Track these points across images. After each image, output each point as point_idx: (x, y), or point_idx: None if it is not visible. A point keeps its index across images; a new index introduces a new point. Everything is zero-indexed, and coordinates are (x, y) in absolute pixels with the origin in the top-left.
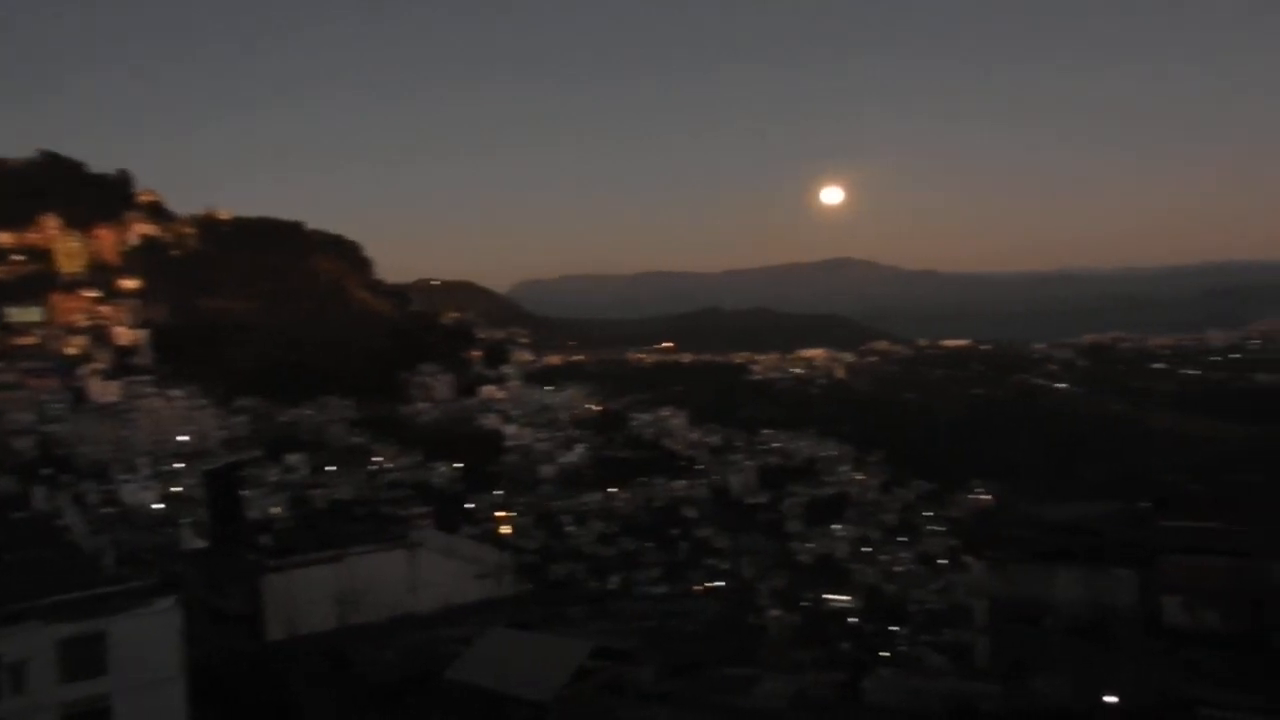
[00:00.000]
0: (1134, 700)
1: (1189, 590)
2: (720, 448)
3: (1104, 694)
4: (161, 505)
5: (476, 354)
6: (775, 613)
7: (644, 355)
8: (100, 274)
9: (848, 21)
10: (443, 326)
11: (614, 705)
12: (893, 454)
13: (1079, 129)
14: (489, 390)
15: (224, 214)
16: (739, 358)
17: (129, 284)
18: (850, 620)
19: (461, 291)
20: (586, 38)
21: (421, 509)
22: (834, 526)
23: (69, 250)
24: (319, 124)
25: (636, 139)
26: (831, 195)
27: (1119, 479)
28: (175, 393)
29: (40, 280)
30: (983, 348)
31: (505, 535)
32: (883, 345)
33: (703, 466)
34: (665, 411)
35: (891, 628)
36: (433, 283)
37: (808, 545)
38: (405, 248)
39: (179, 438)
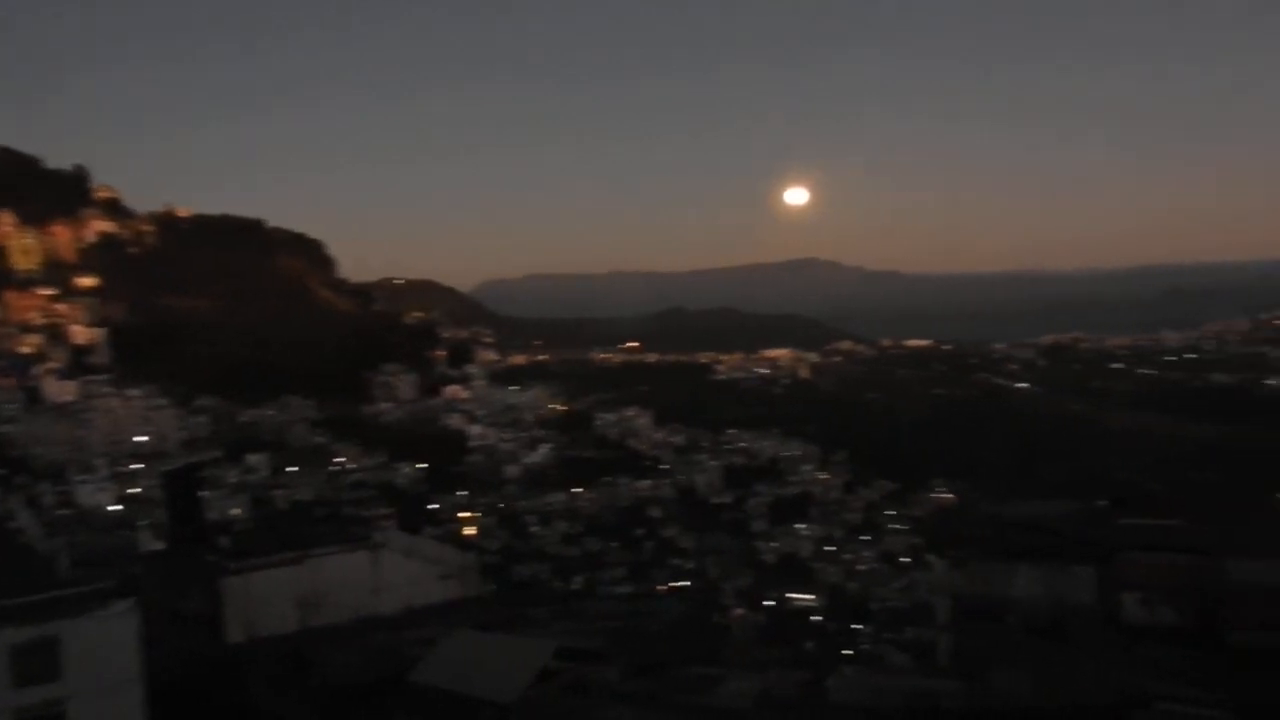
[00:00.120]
0: (1093, 696)
1: (1147, 587)
2: (685, 447)
3: (1064, 690)
4: (119, 507)
5: (440, 354)
6: (740, 612)
7: (609, 355)
8: (56, 271)
9: (812, 22)
10: (406, 326)
11: (579, 705)
12: (856, 453)
13: (1039, 132)
14: (453, 390)
15: (183, 211)
16: (704, 358)
17: (86, 282)
18: (814, 619)
19: (425, 291)
20: (540, 38)
21: (384, 510)
22: (798, 526)
23: (24, 247)
24: (280, 123)
25: (599, 139)
26: (796, 196)
27: (1078, 478)
28: (133, 392)
29: None
30: (945, 348)
31: (469, 536)
32: (847, 345)
33: (667, 466)
34: (630, 411)
35: (855, 626)
36: (396, 282)
37: (772, 544)
38: (368, 247)
39: (137, 438)
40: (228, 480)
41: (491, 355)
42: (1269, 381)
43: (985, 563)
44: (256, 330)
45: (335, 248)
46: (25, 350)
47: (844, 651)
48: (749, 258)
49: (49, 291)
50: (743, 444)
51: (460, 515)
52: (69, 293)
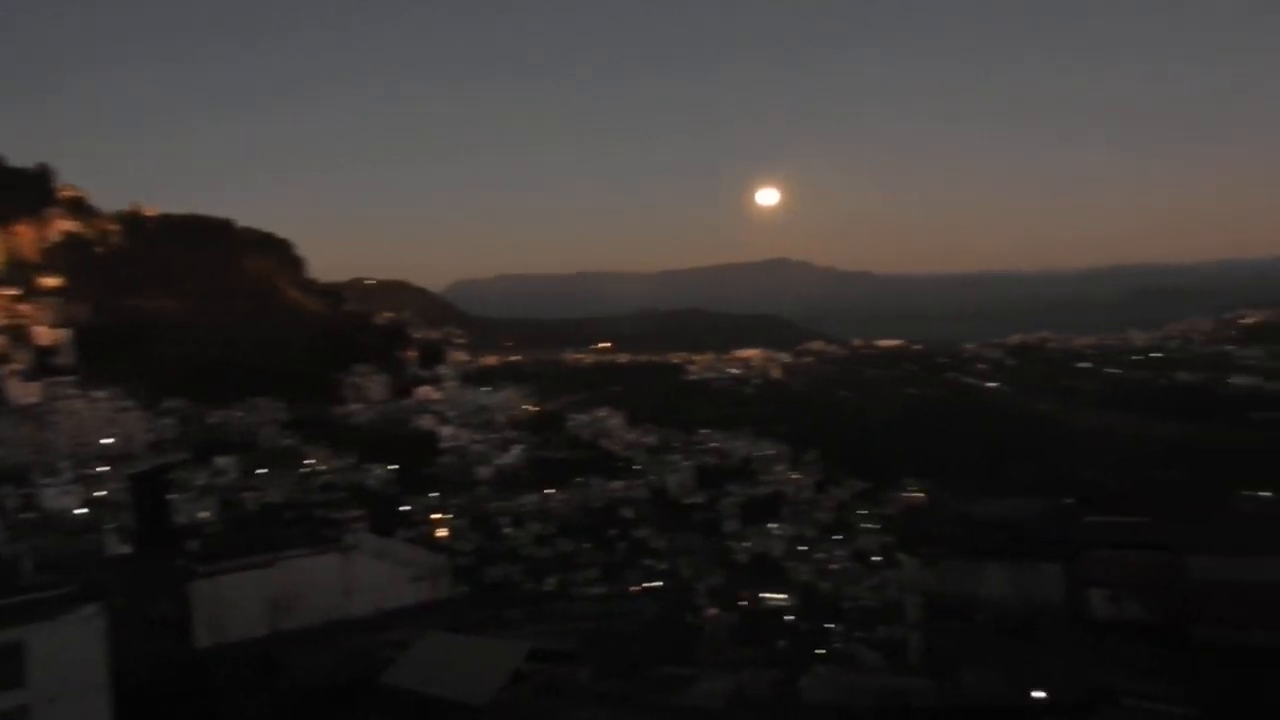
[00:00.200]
0: (1061, 691)
1: (1113, 584)
2: (657, 448)
3: (1032, 686)
4: (84, 510)
5: (411, 354)
6: (713, 612)
7: (581, 355)
8: (19, 271)
9: (778, 24)
10: (377, 326)
11: (551, 707)
12: (828, 453)
13: (1009, 135)
14: (424, 391)
15: (150, 211)
16: (676, 358)
17: (50, 282)
18: (787, 618)
19: (396, 291)
20: (503, 38)
21: (355, 512)
22: (770, 525)
23: None
24: (249, 124)
25: (571, 139)
26: (768, 196)
27: (1046, 476)
28: (99, 394)
29: None
30: (915, 348)
31: (441, 538)
32: (818, 345)
33: (640, 467)
34: (602, 412)
35: (827, 625)
36: (367, 282)
37: (744, 544)
38: (339, 247)
39: (103, 440)
40: (196, 483)
41: (463, 356)
42: (1232, 380)
43: (955, 561)
44: (225, 331)
45: (305, 248)
46: None
47: (816, 650)
48: (721, 258)
49: (12, 292)
50: (715, 444)
51: (432, 517)
52: (33, 293)
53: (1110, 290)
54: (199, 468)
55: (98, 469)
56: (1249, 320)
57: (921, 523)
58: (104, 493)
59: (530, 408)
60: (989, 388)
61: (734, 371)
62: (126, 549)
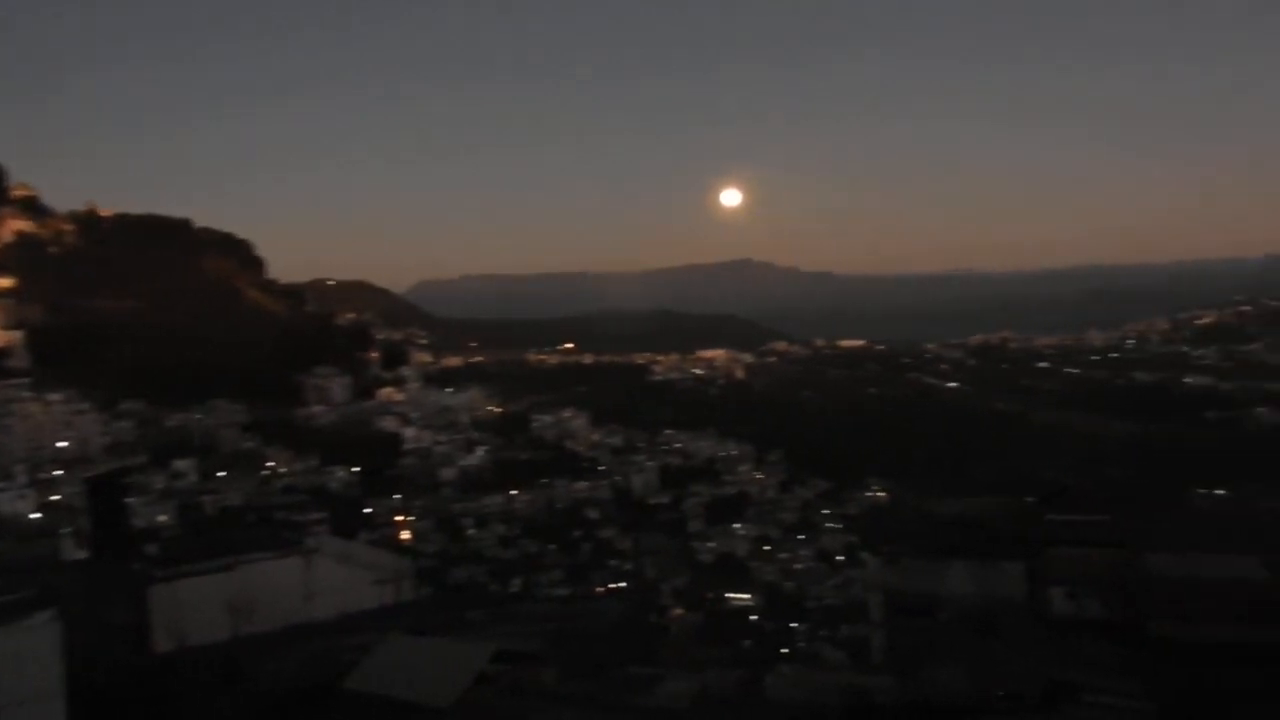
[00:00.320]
0: (1023, 688)
1: (1073, 581)
2: (622, 448)
3: (994, 683)
4: (39, 515)
5: (374, 355)
6: (678, 612)
7: (545, 356)
8: None
9: (736, 26)
10: (339, 327)
11: (516, 708)
12: (791, 453)
13: (968, 136)
14: (387, 392)
15: (106, 210)
16: (640, 359)
17: (2, 283)
18: (751, 618)
19: (358, 292)
20: (463, 36)
21: (317, 515)
22: (734, 525)
23: None
24: (208, 123)
25: (532, 139)
26: (731, 197)
27: (1007, 475)
28: (53, 396)
29: None
30: (877, 348)
31: (404, 540)
32: (781, 346)
33: (604, 467)
34: (567, 413)
35: (791, 624)
36: (328, 283)
37: (709, 544)
38: (299, 247)
39: (58, 444)
40: (154, 486)
41: (426, 357)
42: (1188, 380)
43: (918, 560)
44: (183, 332)
45: (265, 248)
46: None
47: (781, 650)
48: (684, 259)
49: None
50: (679, 444)
51: (395, 519)
52: None
53: (1070, 291)
54: (157, 471)
55: (53, 473)
56: (1203, 321)
57: (884, 522)
58: (59, 497)
59: (494, 409)
60: (950, 388)
61: (698, 372)
62: (83, 554)
